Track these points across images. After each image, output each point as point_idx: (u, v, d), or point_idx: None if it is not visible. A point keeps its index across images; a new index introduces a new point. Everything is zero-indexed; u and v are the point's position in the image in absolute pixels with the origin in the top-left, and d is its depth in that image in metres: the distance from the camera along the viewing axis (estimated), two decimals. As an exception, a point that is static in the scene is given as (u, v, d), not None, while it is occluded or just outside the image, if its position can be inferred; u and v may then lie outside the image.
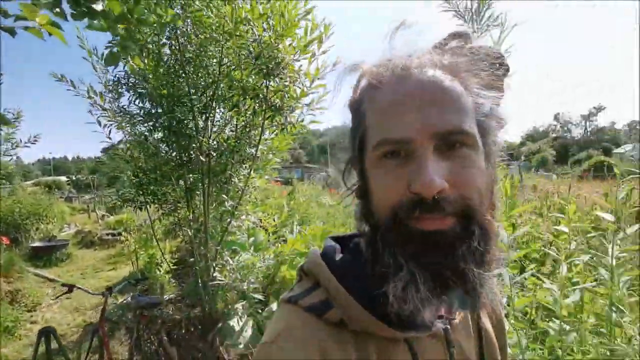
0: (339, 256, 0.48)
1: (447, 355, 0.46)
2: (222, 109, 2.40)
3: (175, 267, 3.67)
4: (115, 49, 1.45)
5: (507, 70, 0.48)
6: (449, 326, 0.47)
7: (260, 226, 2.75)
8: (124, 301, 3.35)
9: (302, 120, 2.20)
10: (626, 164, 2.73)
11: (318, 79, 2.08)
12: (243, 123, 2.47)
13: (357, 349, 0.42)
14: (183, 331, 2.91)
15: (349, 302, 0.42)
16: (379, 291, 0.40)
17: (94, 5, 1.23)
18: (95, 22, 1.29)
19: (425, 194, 0.37)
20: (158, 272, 3.51)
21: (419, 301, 0.38)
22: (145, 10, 1.70)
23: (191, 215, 2.58)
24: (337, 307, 0.43)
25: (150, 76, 2.20)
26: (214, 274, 2.50)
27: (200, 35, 2.16)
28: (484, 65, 0.45)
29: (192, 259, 2.84)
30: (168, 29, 2.03)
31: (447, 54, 0.44)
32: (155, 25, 1.77)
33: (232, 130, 2.49)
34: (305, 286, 0.46)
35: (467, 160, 0.40)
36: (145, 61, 2.17)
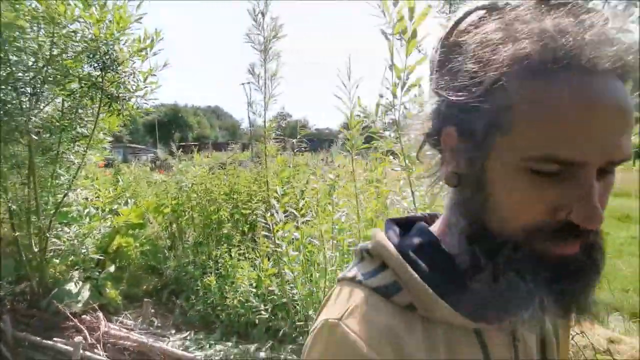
0: (402, 239, 0.46)
1: (511, 349, 0.43)
2: (52, 93, 2.59)
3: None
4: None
5: None
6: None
7: (92, 201, 2.99)
8: None
9: (137, 108, 2.64)
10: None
11: (153, 75, 2.57)
12: (70, 104, 2.71)
13: (425, 334, 0.39)
14: (8, 306, 2.97)
15: (420, 286, 0.39)
16: (475, 292, 0.37)
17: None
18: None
19: (587, 226, 0.33)
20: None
21: (532, 320, 0.35)
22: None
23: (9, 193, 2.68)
24: (406, 290, 0.40)
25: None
26: (49, 243, 2.70)
27: (20, 21, 2.31)
28: None
29: (15, 234, 2.91)
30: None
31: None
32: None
33: (59, 110, 2.69)
34: (370, 267, 0.44)
35: (610, 186, 0.36)
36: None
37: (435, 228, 0.47)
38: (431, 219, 0.50)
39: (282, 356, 2.17)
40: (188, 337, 2.55)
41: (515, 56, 0.33)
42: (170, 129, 38.17)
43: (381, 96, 1.59)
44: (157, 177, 4.35)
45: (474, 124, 0.37)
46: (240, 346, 2.31)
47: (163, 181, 3.99)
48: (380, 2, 1.49)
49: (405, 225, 0.49)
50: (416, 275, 0.40)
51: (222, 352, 2.31)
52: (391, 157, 1.96)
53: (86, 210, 2.92)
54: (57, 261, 2.85)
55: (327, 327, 0.40)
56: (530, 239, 0.35)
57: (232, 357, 2.25)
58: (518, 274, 0.35)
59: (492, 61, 0.34)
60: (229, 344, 2.41)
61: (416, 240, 0.44)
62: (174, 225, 3.58)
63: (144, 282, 3.41)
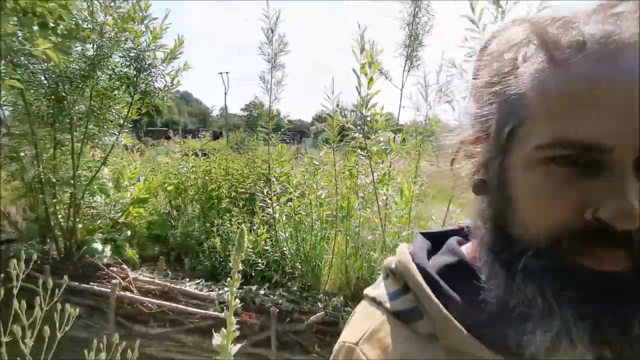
0: (431, 259, 0.41)
1: None
2: (92, 88, 3.18)
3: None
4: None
5: None
6: None
7: (121, 175, 3.59)
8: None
9: (167, 103, 3.28)
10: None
11: (178, 76, 3.23)
12: (101, 97, 3.31)
13: None
14: (39, 262, 3.55)
15: (442, 315, 0.35)
16: (498, 323, 0.32)
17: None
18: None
19: (619, 225, 0.27)
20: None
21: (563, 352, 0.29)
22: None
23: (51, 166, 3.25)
24: (428, 318, 0.36)
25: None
26: (85, 208, 3.32)
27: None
28: None
29: (44, 206, 3.49)
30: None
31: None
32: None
33: (97, 102, 3.29)
34: (393, 287, 0.40)
35: None
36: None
37: (469, 245, 0.42)
38: (469, 233, 0.42)
39: (277, 293, 2.95)
40: (200, 284, 3.28)
41: (525, 41, 0.32)
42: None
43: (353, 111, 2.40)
44: (161, 160, 4.96)
45: (492, 121, 0.34)
46: (244, 287, 3.07)
47: (166, 163, 4.62)
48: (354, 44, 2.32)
49: (438, 239, 0.44)
50: (437, 302, 0.35)
51: (229, 293, 3.06)
52: (359, 150, 2.79)
53: (109, 184, 3.53)
54: (87, 224, 3.47)
55: (344, 350, 0.39)
56: (555, 246, 0.29)
57: (237, 294, 3.01)
58: (538, 290, 0.29)
59: (506, 56, 0.33)
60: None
61: (443, 260, 0.40)
62: (179, 200, 4.25)
63: (152, 247, 4.08)
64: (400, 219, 2.67)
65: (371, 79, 2.27)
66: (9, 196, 3.88)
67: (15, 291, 1.04)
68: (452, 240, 0.43)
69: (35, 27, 2.02)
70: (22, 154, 3.29)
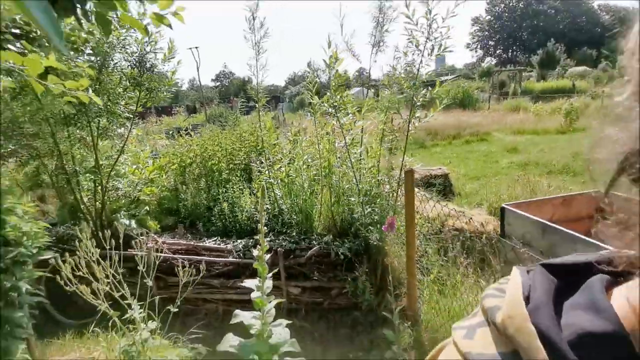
0: (561, 310, 0.28)
1: None
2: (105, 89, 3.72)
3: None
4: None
5: None
6: None
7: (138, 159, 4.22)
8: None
9: (168, 96, 3.86)
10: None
11: (173, 75, 3.77)
12: (111, 96, 3.86)
13: None
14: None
15: None
16: None
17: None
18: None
19: None
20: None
21: None
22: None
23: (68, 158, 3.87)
24: None
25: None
26: (109, 191, 3.99)
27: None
28: None
29: (69, 195, 4.12)
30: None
31: None
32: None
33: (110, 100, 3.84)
34: (493, 347, 0.28)
35: None
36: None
37: (619, 294, 0.27)
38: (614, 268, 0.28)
39: (280, 238, 3.74)
40: (216, 240, 4.05)
41: None
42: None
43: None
44: (161, 143, 5.57)
45: None
46: (254, 237, 3.86)
47: (167, 144, 5.24)
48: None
49: (569, 272, 0.30)
50: None
51: (241, 244, 3.85)
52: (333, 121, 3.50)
53: (133, 166, 4.18)
54: (112, 204, 4.14)
55: None
56: None
57: (248, 244, 3.81)
58: None
59: None
60: (244, 240, 3.95)
61: (582, 322, 0.25)
62: (184, 176, 4.92)
63: (168, 219, 4.79)
64: (370, 170, 3.46)
65: (337, 72, 2.95)
66: (35, 188, 4.48)
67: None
68: (597, 284, 0.27)
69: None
70: (42, 151, 3.87)
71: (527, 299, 0.29)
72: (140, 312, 2.10)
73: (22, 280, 2.09)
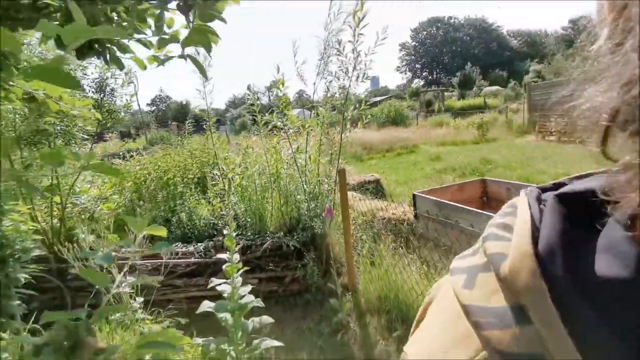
0: (570, 253, 0.25)
1: None
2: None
3: None
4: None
5: None
6: None
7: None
8: None
9: (126, 117, 4.27)
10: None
11: (133, 95, 4.21)
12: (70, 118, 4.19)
13: None
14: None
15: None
16: None
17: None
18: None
19: None
20: None
21: None
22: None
23: None
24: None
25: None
26: (71, 205, 4.22)
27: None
28: None
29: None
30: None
31: None
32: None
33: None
34: (497, 301, 0.26)
35: None
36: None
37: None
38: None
39: (237, 238, 4.25)
40: (177, 245, 4.43)
41: None
42: (31, 122, 33.75)
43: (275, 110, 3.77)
44: (115, 162, 5.81)
45: None
46: (212, 241, 4.32)
47: (119, 163, 5.53)
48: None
49: (583, 204, 0.27)
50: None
51: (202, 245, 4.29)
52: (282, 133, 4.16)
53: (83, 187, 4.44)
54: (71, 220, 4.37)
55: None
56: None
57: (209, 245, 4.26)
58: None
59: None
60: (204, 242, 4.40)
61: (600, 268, 0.23)
62: (141, 192, 5.23)
63: (126, 233, 5.06)
64: (312, 172, 4.15)
65: (284, 95, 3.66)
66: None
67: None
68: (616, 224, 0.24)
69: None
70: None
71: (535, 239, 0.26)
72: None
73: (18, 274, 2.40)
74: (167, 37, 1.17)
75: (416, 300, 2.88)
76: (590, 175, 0.30)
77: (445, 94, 32.31)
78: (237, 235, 4.38)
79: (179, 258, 4.23)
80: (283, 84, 3.80)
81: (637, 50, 0.20)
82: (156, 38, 1.17)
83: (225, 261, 2.57)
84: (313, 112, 4.52)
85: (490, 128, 13.78)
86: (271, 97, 4.16)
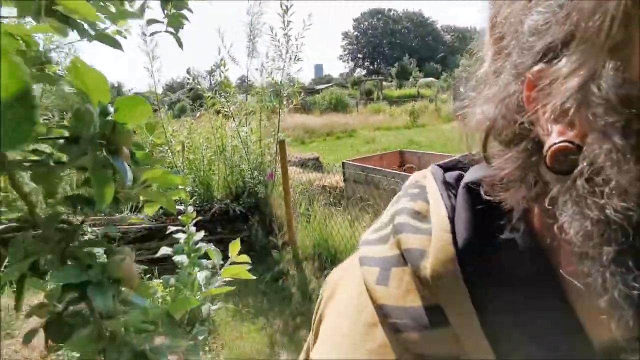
0: (486, 247, 0.26)
1: None
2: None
3: None
4: None
5: None
6: None
7: None
8: None
9: None
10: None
11: None
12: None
13: None
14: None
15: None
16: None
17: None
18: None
19: None
20: None
21: None
22: None
23: None
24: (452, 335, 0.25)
25: None
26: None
27: None
28: None
29: None
30: None
31: None
32: None
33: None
34: (414, 298, 0.27)
35: None
36: None
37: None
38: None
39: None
40: (128, 213, 4.69)
41: None
42: None
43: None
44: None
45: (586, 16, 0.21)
46: (162, 208, 4.64)
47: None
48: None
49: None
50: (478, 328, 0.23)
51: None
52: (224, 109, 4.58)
53: None
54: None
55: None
56: None
57: (159, 211, 4.59)
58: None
59: None
60: (154, 212, 4.72)
61: (509, 263, 0.25)
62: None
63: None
64: (255, 143, 4.65)
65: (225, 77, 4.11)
66: None
67: None
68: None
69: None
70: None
71: (454, 237, 0.27)
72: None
73: None
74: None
75: (342, 243, 3.55)
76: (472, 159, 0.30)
77: (384, 83, 33.96)
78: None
79: (130, 224, 4.49)
80: (225, 65, 4.22)
81: (511, 75, 0.23)
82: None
83: (176, 230, 3.04)
84: (255, 97, 4.99)
85: (420, 115, 15.09)
86: (212, 81, 4.59)
